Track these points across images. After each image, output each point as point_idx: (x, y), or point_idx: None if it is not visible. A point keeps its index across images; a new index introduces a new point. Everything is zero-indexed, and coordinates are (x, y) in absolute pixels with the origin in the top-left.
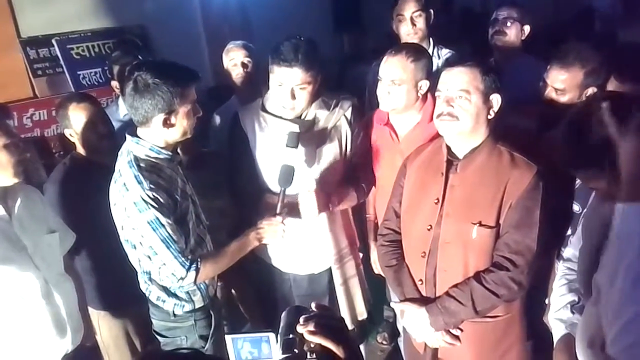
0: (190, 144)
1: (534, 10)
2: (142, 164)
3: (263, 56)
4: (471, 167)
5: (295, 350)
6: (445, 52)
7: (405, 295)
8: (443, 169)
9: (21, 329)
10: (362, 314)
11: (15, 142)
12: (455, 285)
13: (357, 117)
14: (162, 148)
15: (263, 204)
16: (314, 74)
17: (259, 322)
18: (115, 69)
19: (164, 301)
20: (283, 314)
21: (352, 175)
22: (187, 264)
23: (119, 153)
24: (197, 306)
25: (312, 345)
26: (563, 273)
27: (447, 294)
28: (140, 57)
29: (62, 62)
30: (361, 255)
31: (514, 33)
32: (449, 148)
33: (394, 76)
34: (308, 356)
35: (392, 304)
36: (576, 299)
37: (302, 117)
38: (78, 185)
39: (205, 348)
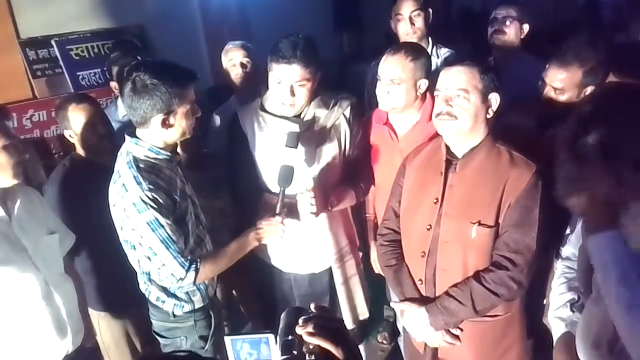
0: (191, 144)
1: (533, 9)
2: (141, 165)
3: (262, 56)
4: (470, 167)
5: (294, 352)
6: (445, 52)
7: (405, 295)
8: (442, 169)
9: (21, 330)
10: (363, 313)
11: (14, 143)
12: (455, 285)
13: (356, 116)
14: (161, 148)
15: (263, 204)
16: (313, 71)
17: (259, 322)
18: (114, 69)
19: (163, 302)
20: (282, 315)
21: (351, 175)
22: (187, 264)
23: (118, 154)
24: (196, 306)
25: (311, 347)
26: (562, 272)
27: (446, 293)
28: (139, 57)
29: (61, 62)
30: (361, 254)
31: (513, 32)
32: (447, 147)
33: (393, 75)
34: (307, 357)
35: (392, 304)
36: (576, 297)
37: (301, 116)
38: (78, 186)
39: (205, 348)
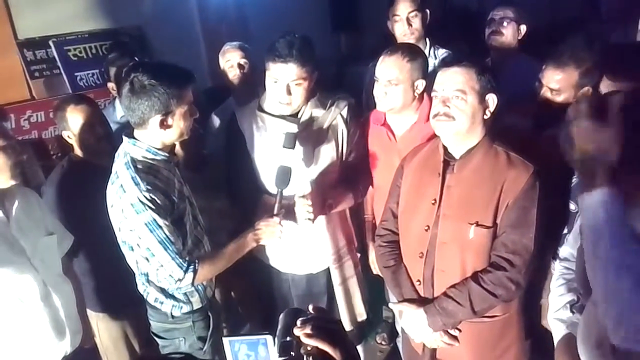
0: (190, 145)
1: (530, 10)
2: (139, 166)
3: (260, 57)
4: (468, 168)
5: (292, 353)
6: (442, 52)
7: (403, 295)
8: (440, 169)
9: (20, 332)
10: (361, 315)
11: (12, 144)
12: (453, 286)
13: (353, 117)
14: (159, 149)
15: (261, 205)
16: (309, 70)
17: (257, 323)
18: (112, 70)
19: (161, 303)
20: (280, 317)
21: (349, 176)
22: (185, 265)
23: (116, 155)
24: (195, 307)
25: (308, 348)
26: (561, 273)
27: (444, 294)
28: (136, 58)
29: (59, 63)
30: (359, 255)
31: (510, 33)
32: (445, 148)
33: (391, 76)
34: (305, 359)
35: (390, 305)
36: (575, 298)
37: (298, 116)
38: (76, 187)
39: (204, 349)
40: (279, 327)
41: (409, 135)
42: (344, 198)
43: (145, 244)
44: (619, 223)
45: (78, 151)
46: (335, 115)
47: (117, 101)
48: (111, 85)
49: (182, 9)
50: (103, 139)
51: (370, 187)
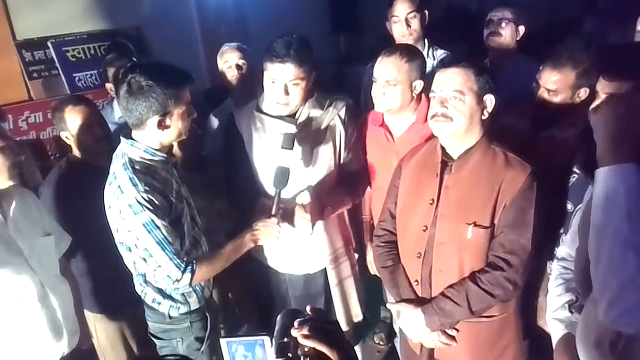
0: (189, 146)
1: (529, 10)
2: (136, 166)
3: (259, 58)
4: (466, 168)
5: (289, 354)
6: (440, 53)
7: (401, 296)
8: (438, 170)
9: (17, 332)
10: (357, 315)
11: (10, 144)
12: (451, 286)
13: (351, 117)
14: (156, 150)
15: (259, 205)
16: (307, 70)
17: (255, 323)
18: (110, 71)
19: (159, 303)
20: (278, 317)
21: (347, 177)
22: (183, 265)
23: (114, 155)
24: (192, 308)
25: (306, 349)
26: (559, 272)
27: (442, 294)
28: (134, 59)
29: (57, 64)
30: (357, 256)
31: (508, 34)
32: (443, 149)
33: (389, 77)
34: None
35: (388, 305)
36: (574, 298)
37: (296, 117)
38: (74, 188)
39: (201, 350)
40: (277, 328)
41: (407, 135)
42: (342, 201)
43: (143, 245)
44: (636, 199)
45: (76, 152)
46: (333, 116)
47: (115, 102)
48: (109, 85)
49: (180, 10)
50: (101, 140)
51: (368, 187)
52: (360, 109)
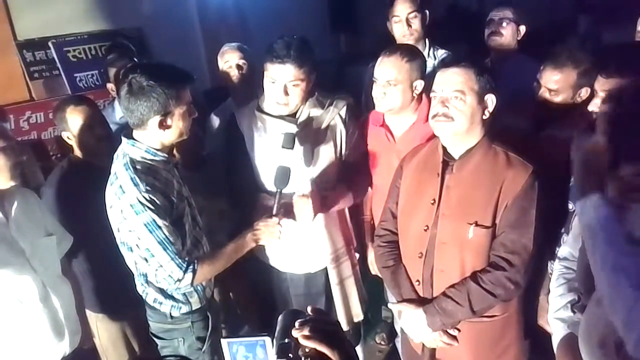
0: (190, 145)
1: (530, 10)
2: (138, 166)
3: (259, 58)
4: (467, 168)
5: (290, 355)
6: (441, 53)
7: (403, 295)
8: (439, 170)
9: (19, 332)
10: (357, 315)
11: (11, 145)
12: (452, 286)
13: (352, 117)
14: (158, 150)
15: (260, 205)
16: (307, 71)
17: (256, 323)
18: (111, 71)
19: (160, 303)
20: (279, 318)
21: (348, 176)
22: (184, 265)
23: (115, 156)
24: (194, 308)
25: (307, 350)
26: (561, 272)
27: (444, 294)
28: (135, 59)
29: (58, 64)
30: (358, 255)
31: (509, 33)
32: (444, 149)
33: (390, 77)
34: None
35: (389, 305)
36: (576, 297)
37: (297, 116)
38: (75, 188)
39: (203, 350)
40: (278, 328)
41: (408, 135)
42: (342, 197)
43: (145, 245)
44: (612, 225)
45: (78, 152)
46: (333, 116)
47: (116, 102)
48: (110, 86)
49: (181, 10)
50: (103, 140)
51: (369, 187)
52: (361, 109)
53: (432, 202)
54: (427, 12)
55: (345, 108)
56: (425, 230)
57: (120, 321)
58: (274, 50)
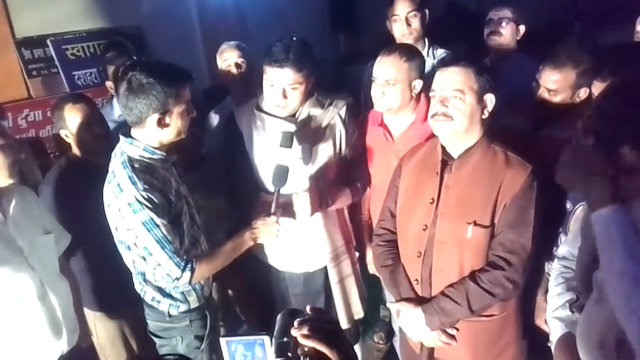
0: (188, 144)
1: (529, 10)
2: (136, 165)
3: (258, 57)
4: (466, 167)
5: (289, 354)
6: (441, 52)
7: (401, 295)
8: (438, 169)
9: (17, 331)
10: (358, 313)
11: (9, 143)
12: (451, 285)
13: (351, 117)
14: (156, 148)
15: (259, 204)
16: (306, 75)
17: (255, 322)
18: (110, 69)
19: (159, 302)
20: (278, 317)
21: (347, 175)
22: (182, 264)
23: (113, 154)
24: (192, 306)
25: (305, 349)
26: (559, 271)
27: (442, 293)
28: (134, 57)
29: (57, 62)
30: (357, 254)
31: (509, 33)
32: (443, 148)
33: (388, 76)
34: None
35: (387, 304)
36: (574, 297)
37: (296, 116)
38: (73, 186)
39: (201, 348)
40: (276, 327)
41: (406, 135)
42: (341, 196)
43: (143, 243)
44: (632, 234)
45: (76, 150)
46: (333, 115)
47: (115, 100)
48: (109, 84)
49: (180, 9)
50: (101, 138)
51: (368, 186)
52: (360, 108)
53: (431, 201)
54: (427, 11)
55: (345, 108)
56: (424, 229)
57: (119, 319)
58: (273, 54)
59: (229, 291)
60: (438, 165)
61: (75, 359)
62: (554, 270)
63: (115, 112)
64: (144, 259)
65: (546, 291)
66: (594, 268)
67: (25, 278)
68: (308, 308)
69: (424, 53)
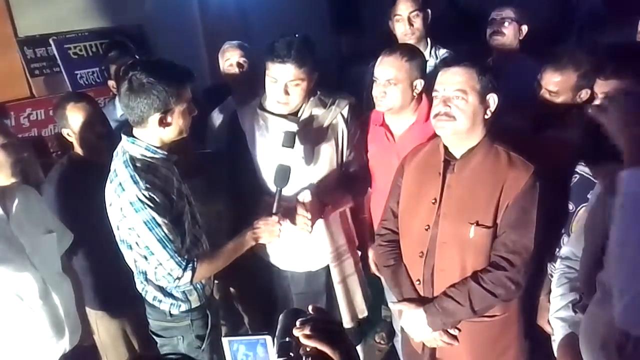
0: (186, 146)
1: (532, 10)
2: (137, 164)
3: (260, 56)
4: (468, 167)
5: (291, 354)
6: (443, 52)
7: (403, 295)
8: (440, 169)
9: (19, 329)
10: (362, 312)
11: (12, 141)
12: (453, 285)
13: (354, 116)
14: (157, 148)
15: (261, 203)
16: (308, 71)
17: (256, 321)
18: (112, 68)
19: (160, 301)
20: (280, 317)
21: (349, 176)
22: (184, 263)
23: (115, 153)
24: (193, 306)
25: (308, 349)
26: (562, 272)
27: (444, 294)
28: (137, 56)
29: (59, 61)
30: (360, 253)
31: (511, 33)
32: (446, 148)
33: (390, 76)
34: None
35: (389, 304)
36: (577, 297)
37: (299, 115)
38: (76, 185)
39: (202, 348)
40: (279, 327)
41: (408, 135)
42: (343, 200)
43: (144, 243)
44: None
45: (78, 149)
46: (335, 115)
47: (117, 99)
48: (112, 83)
49: (182, 8)
50: (103, 137)
51: (369, 187)
52: (362, 108)
53: (433, 201)
54: (429, 11)
55: (347, 107)
56: (426, 229)
57: (120, 319)
58: (275, 50)
59: (231, 290)
60: (440, 166)
61: (77, 357)
62: (557, 270)
63: (118, 111)
64: (146, 258)
65: (549, 292)
66: (597, 269)
67: (28, 277)
68: (310, 308)
69: (426, 53)
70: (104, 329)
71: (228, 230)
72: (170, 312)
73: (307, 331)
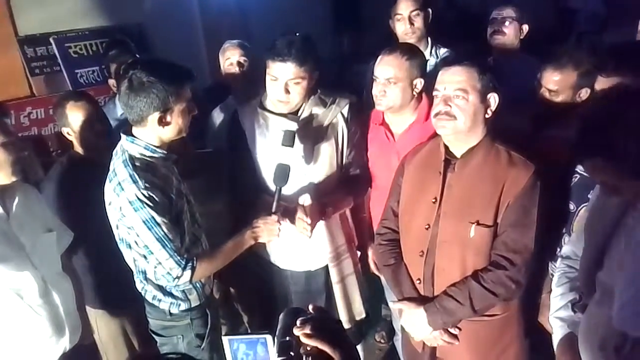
0: (184, 145)
1: (533, 9)
2: (137, 163)
3: (261, 56)
4: (469, 166)
5: (291, 353)
6: (444, 52)
7: (403, 294)
8: (441, 168)
9: (19, 328)
10: (360, 313)
11: (12, 140)
12: (454, 285)
13: (354, 116)
14: (157, 147)
15: (261, 202)
16: (308, 69)
17: (256, 320)
18: (112, 67)
19: (159, 300)
20: (280, 316)
21: (349, 175)
22: (183, 262)
23: (114, 152)
24: (193, 305)
25: (308, 348)
26: (562, 271)
27: (445, 293)
28: (137, 55)
29: (59, 60)
30: (359, 253)
31: (512, 32)
32: (446, 147)
33: (389, 75)
34: (304, 359)
35: (389, 304)
36: (577, 297)
37: (299, 114)
38: (75, 184)
39: (202, 347)
40: (279, 326)
41: (408, 135)
42: (343, 201)
43: (143, 242)
44: None
45: (78, 148)
46: (335, 114)
47: (117, 98)
48: (112, 82)
49: (183, 7)
50: (103, 136)
51: (369, 186)
52: (363, 107)
53: (434, 200)
54: (430, 10)
55: (347, 106)
56: (427, 228)
57: (120, 317)
58: (276, 48)
59: (230, 289)
60: (441, 165)
61: (77, 356)
62: (558, 269)
63: (118, 110)
64: (145, 257)
65: (551, 290)
66: (597, 269)
67: (28, 276)
68: (311, 307)
69: (427, 52)
70: (104, 328)
71: (228, 229)
72: (170, 311)
73: (307, 330)
